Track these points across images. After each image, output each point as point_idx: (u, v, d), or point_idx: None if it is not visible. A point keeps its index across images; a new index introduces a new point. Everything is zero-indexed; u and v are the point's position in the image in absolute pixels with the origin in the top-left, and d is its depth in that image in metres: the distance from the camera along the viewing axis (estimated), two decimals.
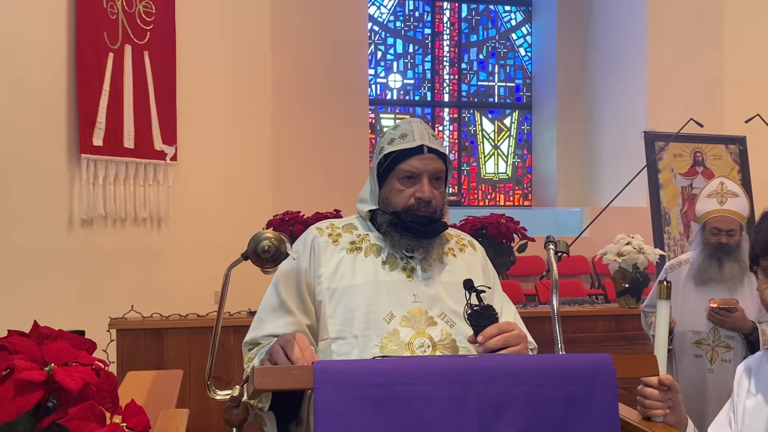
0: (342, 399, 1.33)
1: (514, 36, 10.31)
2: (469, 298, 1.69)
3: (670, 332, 3.13)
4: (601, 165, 9.36)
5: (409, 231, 1.82)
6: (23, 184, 5.31)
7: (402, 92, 10.00)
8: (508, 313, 1.91)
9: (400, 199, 1.83)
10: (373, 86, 9.70)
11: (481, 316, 1.67)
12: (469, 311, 1.68)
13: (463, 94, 10.20)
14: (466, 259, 1.94)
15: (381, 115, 9.81)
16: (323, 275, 1.82)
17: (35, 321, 1.22)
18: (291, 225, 4.16)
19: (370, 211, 1.90)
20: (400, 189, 1.83)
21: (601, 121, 9.39)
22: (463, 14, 10.22)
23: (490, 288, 1.85)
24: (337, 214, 4.16)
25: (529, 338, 1.83)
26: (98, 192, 5.61)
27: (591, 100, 9.55)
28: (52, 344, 1.12)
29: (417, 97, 10.07)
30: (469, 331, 1.70)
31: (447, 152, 1.88)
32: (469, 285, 1.71)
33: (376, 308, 1.77)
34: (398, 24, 9.96)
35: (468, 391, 1.36)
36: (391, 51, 9.95)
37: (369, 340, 1.74)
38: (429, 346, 1.75)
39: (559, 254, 2.02)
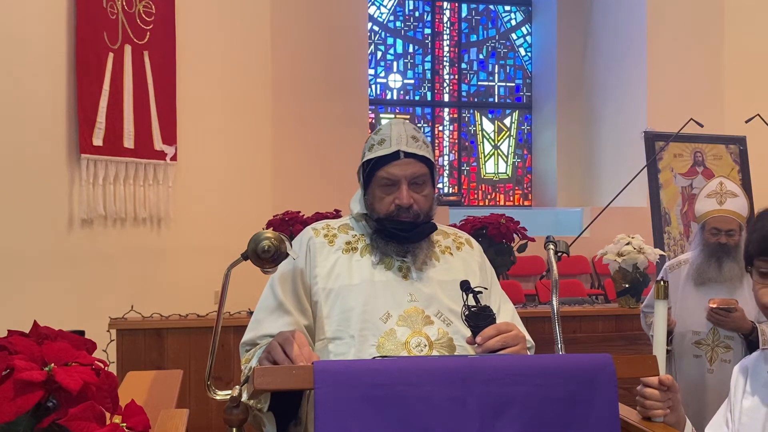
0: (342, 399, 1.33)
1: (514, 36, 10.31)
2: (466, 299, 1.69)
3: (670, 333, 3.13)
4: (601, 165, 9.35)
5: (393, 238, 1.83)
6: (23, 184, 5.30)
7: (402, 92, 10.00)
8: (506, 312, 1.91)
9: (382, 206, 1.83)
10: (373, 86, 9.70)
11: (478, 317, 1.67)
12: (467, 312, 1.68)
13: (463, 94, 10.20)
14: (464, 258, 1.93)
15: (381, 115, 9.81)
16: (319, 275, 1.82)
17: (35, 321, 1.22)
18: (291, 225, 4.16)
19: (361, 214, 1.90)
20: (380, 196, 1.83)
21: (601, 121, 9.39)
22: (463, 14, 10.22)
23: (487, 288, 1.84)
24: (336, 214, 4.15)
25: (527, 337, 1.83)
26: (98, 192, 5.61)
27: (591, 100, 9.55)
28: (52, 344, 1.12)
29: (417, 97, 10.07)
30: (467, 330, 1.71)
31: (430, 153, 1.86)
32: (465, 286, 1.70)
33: (372, 308, 1.77)
34: (398, 24, 9.96)
35: (468, 392, 1.36)
36: (391, 51, 9.95)
37: (365, 340, 1.74)
38: (426, 345, 1.74)
39: (559, 254, 2.02)
